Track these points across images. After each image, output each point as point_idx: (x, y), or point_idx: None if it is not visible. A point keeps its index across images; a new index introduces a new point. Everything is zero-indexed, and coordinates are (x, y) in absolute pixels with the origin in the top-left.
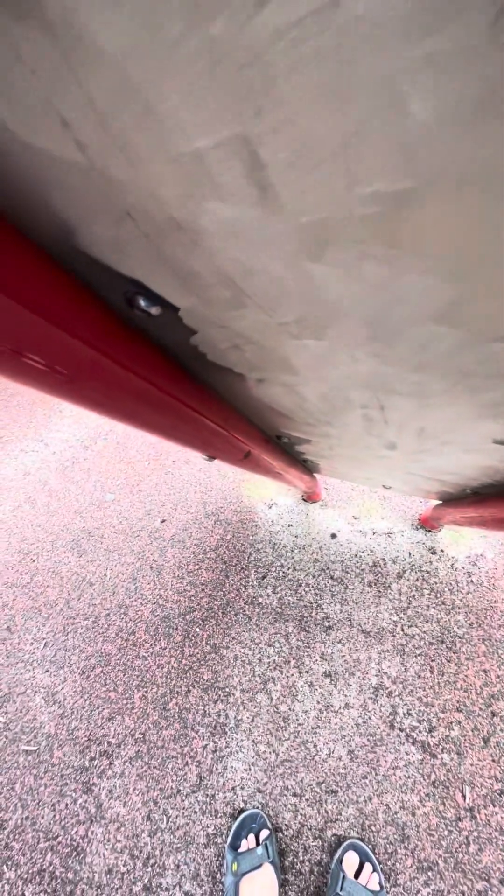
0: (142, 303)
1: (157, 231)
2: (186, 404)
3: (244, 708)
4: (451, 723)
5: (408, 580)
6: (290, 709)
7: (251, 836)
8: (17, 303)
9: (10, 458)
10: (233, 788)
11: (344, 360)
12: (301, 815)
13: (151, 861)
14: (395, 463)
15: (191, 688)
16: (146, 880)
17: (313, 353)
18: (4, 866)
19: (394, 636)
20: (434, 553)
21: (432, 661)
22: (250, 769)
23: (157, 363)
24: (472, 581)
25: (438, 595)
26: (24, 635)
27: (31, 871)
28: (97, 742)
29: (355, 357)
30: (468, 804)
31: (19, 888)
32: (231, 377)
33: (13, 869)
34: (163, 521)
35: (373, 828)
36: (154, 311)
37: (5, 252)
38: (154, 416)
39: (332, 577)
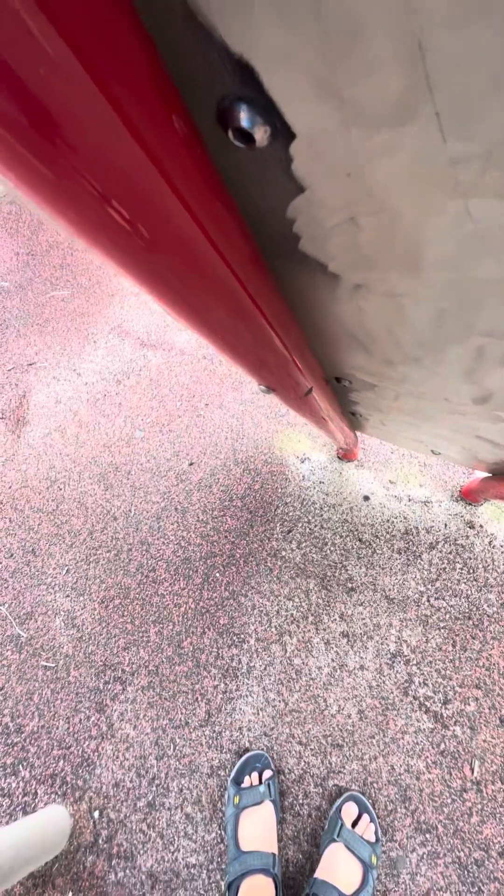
0: (242, 118)
1: None
2: (264, 314)
3: (257, 656)
4: (468, 698)
5: (440, 552)
6: (303, 663)
7: (254, 774)
8: (126, 127)
9: (43, 384)
10: (240, 728)
11: None
12: (305, 762)
13: (156, 782)
14: (469, 422)
15: (206, 630)
16: (150, 798)
17: (475, 230)
18: (21, 766)
19: (418, 606)
20: (472, 527)
21: (456, 635)
22: (258, 713)
23: (239, 241)
24: None
25: (471, 571)
26: (47, 560)
27: (44, 774)
28: (112, 668)
29: None
30: (476, 777)
31: (33, 787)
32: (318, 281)
33: (28, 769)
34: (191, 464)
35: (375, 785)
36: (259, 134)
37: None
38: (226, 319)
39: (360, 540)
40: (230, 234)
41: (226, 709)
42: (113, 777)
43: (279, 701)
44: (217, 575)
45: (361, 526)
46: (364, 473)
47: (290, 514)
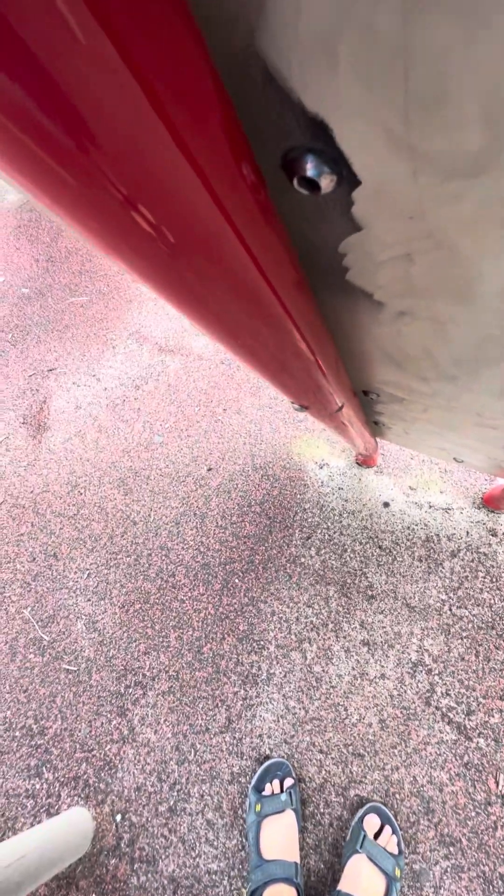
0: (308, 167)
1: None
2: (302, 334)
3: (277, 663)
4: (492, 710)
5: (462, 560)
6: (323, 670)
7: (276, 782)
8: (166, 126)
9: (63, 390)
10: (260, 736)
11: None
12: (325, 771)
13: (177, 787)
14: (500, 435)
15: (226, 636)
16: (171, 803)
17: None
18: (44, 768)
19: (440, 615)
20: (495, 535)
21: (479, 645)
22: (279, 721)
23: (286, 266)
24: None
25: (495, 580)
26: (69, 563)
27: (67, 776)
28: (133, 672)
29: None
30: (501, 791)
31: (56, 789)
32: (360, 307)
33: (51, 771)
34: (209, 469)
35: (397, 796)
36: (325, 183)
37: (166, 35)
38: (260, 336)
39: (380, 547)
40: (277, 260)
41: (246, 715)
42: (134, 781)
43: (299, 708)
44: (236, 581)
45: (381, 533)
46: (384, 479)
47: (309, 520)
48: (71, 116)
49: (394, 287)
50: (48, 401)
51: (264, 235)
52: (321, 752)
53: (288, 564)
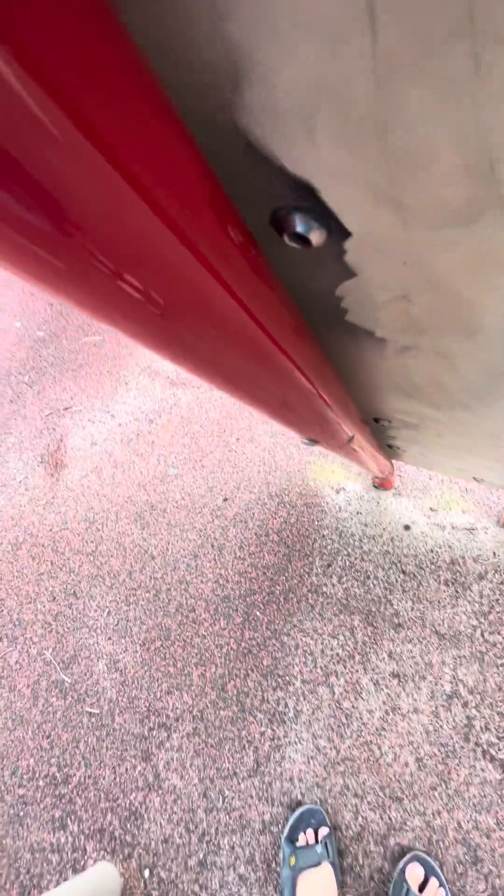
0: (297, 224)
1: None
2: (304, 373)
3: (304, 699)
4: None
5: (491, 582)
6: (353, 706)
7: (310, 832)
8: (149, 207)
9: (79, 427)
10: (290, 779)
11: None
12: (362, 817)
13: (207, 838)
14: None
15: (250, 672)
16: (201, 856)
17: None
18: (69, 819)
19: (472, 642)
20: None
21: None
22: (309, 762)
23: (283, 314)
24: None
25: None
26: (88, 602)
27: (92, 828)
28: (156, 714)
29: None
30: None
31: (81, 842)
32: (363, 344)
33: (76, 823)
34: (225, 500)
35: (441, 843)
36: (315, 237)
37: (142, 124)
38: (263, 383)
39: (403, 572)
40: (272, 309)
41: (274, 757)
42: (162, 832)
43: (330, 748)
44: (258, 613)
45: (404, 557)
46: (403, 502)
47: (329, 547)
48: (52, 208)
49: (395, 325)
50: (65, 439)
51: (256, 288)
52: (356, 796)
53: (309, 594)
